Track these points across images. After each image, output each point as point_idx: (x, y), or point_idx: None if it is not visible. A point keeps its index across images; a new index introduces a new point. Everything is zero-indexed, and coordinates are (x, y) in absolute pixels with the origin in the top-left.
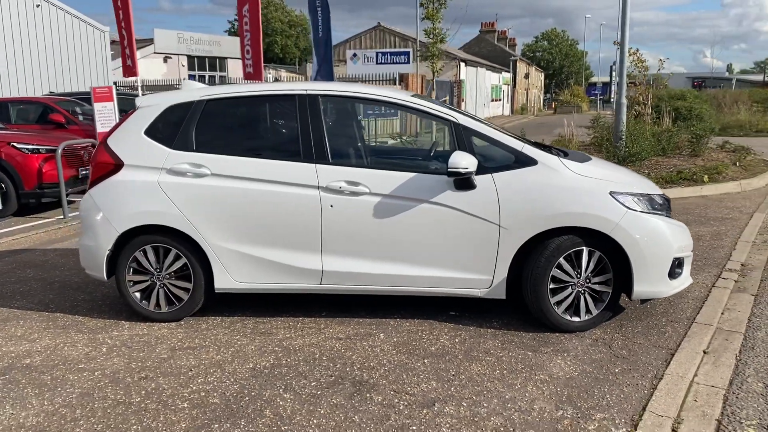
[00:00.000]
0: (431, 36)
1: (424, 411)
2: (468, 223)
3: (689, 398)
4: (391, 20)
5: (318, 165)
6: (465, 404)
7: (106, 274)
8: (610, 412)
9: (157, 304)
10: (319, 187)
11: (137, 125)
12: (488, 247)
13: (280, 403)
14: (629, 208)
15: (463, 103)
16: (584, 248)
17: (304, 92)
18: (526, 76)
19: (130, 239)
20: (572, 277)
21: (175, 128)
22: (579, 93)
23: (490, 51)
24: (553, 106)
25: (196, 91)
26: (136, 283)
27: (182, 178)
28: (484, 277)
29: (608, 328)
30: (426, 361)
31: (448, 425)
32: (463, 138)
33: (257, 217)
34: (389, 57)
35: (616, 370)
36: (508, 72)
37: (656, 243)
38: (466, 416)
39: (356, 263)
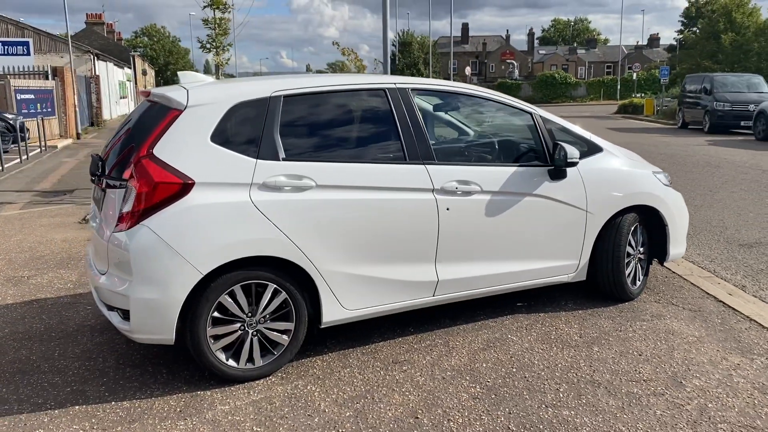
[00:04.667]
0: (214, 26)
1: (687, 390)
2: (563, 212)
3: None
4: None
5: (427, 166)
6: (698, 375)
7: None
8: None
9: (250, 359)
10: (433, 190)
11: (196, 130)
12: (578, 233)
13: (576, 420)
14: (665, 184)
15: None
16: (638, 223)
17: (394, 86)
18: (144, 72)
19: (212, 281)
20: (634, 250)
21: (253, 132)
22: None
23: (103, 44)
24: None
25: (263, 86)
26: (218, 337)
27: (281, 194)
28: (572, 262)
29: (646, 293)
30: (596, 349)
31: (726, 394)
32: (544, 129)
33: (370, 231)
34: (2, 48)
35: (718, 321)
36: (130, 68)
37: (681, 211)
38: (718, 385)
39: (469, 267)
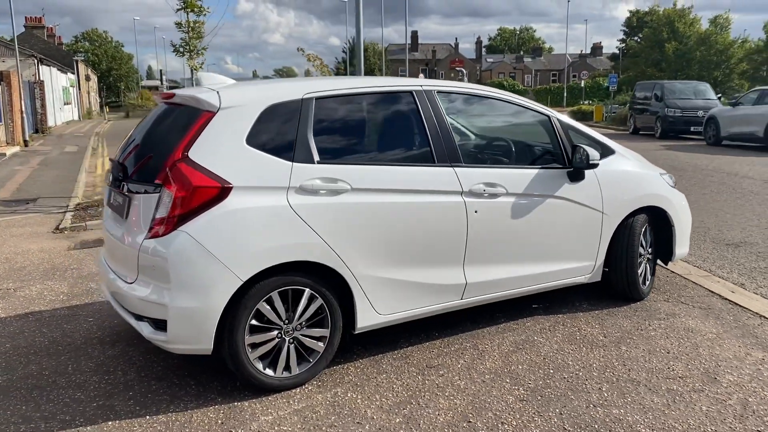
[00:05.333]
0: (188, 29)
1: (724, 385)
2: (581, 213)
3: None
4: None
5: (456, 168)
6: (729, 370)
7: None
8: None
9: (287, 367)
10: (462, 193)
11: (232, 133)
12: (594, 234)
13: (628, 418)
14: (671, 185)
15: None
16: (647, 224)
17: (420, 88)
18: (87, 78)
19: (251, 288)
20: (644, 250)
21: (288, 135)
22: (149, 96)
23: (44, 49)
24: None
25: (295, 87)
26: (256, 345)
27: (317, 198)
28: (589, 263)
29: (654, 292)
30: (623, 348)
31: (761, 389)
32: (562, 131)
33: (403, 234)
34: None
35: (730, 318)
36: (73, 73)
37: (685, 212)
38: (751, 379)
39: (495, 270)
